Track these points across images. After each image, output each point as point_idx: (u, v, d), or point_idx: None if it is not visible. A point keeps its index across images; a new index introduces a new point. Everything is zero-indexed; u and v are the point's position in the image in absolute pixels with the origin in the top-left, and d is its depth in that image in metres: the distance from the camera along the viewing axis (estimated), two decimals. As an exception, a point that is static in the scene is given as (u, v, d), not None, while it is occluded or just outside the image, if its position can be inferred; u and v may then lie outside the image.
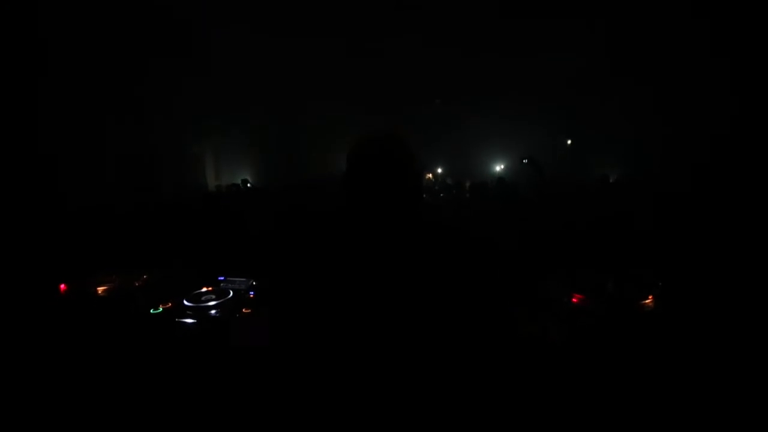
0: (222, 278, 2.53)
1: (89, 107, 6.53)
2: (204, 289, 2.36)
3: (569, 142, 11.90)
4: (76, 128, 6.28)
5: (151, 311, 2.14)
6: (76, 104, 6.26)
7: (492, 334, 0.99)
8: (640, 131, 8.50)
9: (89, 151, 6.45)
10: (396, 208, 0.95)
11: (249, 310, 2.14)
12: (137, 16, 7.15)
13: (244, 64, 9.56)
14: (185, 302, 2.20)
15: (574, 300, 2.02)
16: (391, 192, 0.94)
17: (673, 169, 6.61)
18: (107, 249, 3.05)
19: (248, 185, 9.01)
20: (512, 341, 1.82)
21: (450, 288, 0.92)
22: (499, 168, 11.45)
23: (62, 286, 2.31)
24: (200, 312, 2.14)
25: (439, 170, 12.18)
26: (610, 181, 7.25)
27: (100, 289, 2.26)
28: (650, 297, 1.98)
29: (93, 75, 6.50)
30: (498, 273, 1.07)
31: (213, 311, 2.15)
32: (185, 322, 2.09)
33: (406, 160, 0.97)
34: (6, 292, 2.47)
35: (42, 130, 5.51)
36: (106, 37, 6.72)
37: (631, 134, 8.82)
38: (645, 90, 8.21)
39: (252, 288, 2.41)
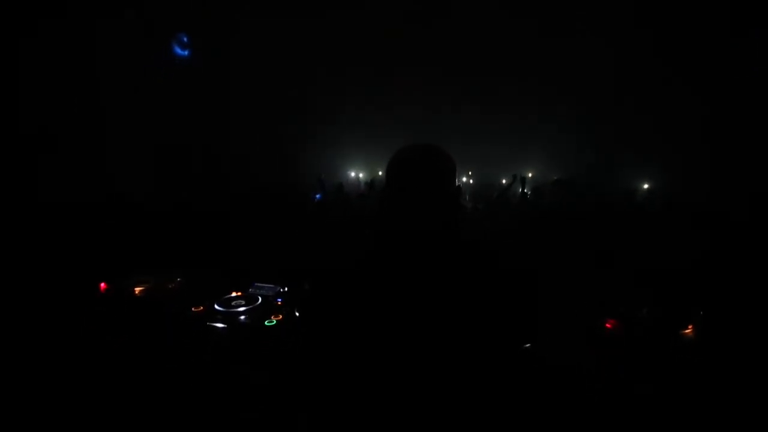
0: (253, 283, 2.59)
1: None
2: (234, 294, 2.42)
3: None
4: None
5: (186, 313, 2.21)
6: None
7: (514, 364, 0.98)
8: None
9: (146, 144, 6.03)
10: (435, 214, 0.95)
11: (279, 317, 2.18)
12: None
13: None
14: (216, 306, 2.26)
15: (608, 326, 1.96)
16: (431, 198, 0.95)
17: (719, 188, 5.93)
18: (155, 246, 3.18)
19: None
20: (540, 369, 1.79)
21: (481, 313, 0.91)
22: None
23: (102, 284, 2.42)
24: (230, 317, 2.20)
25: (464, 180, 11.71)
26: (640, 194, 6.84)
27: (137, 290, 2.36)
28: (690, 326, 1.89)
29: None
30: (534, 306, 1.05)
31: (242, 317, 2.20)
32: (216, 326, 2.15)
33: (448, 167, 0.99)
34: (49, 288, 2.60)
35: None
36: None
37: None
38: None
39: (280, 295, 2.46)
